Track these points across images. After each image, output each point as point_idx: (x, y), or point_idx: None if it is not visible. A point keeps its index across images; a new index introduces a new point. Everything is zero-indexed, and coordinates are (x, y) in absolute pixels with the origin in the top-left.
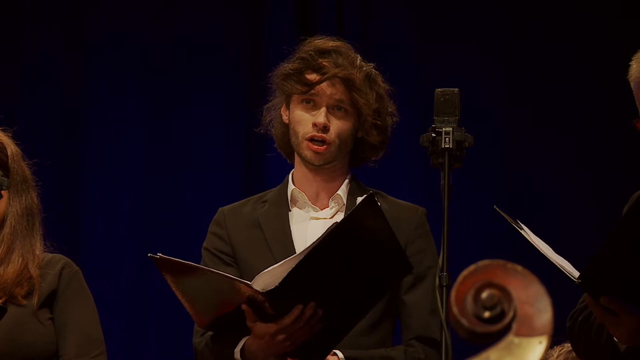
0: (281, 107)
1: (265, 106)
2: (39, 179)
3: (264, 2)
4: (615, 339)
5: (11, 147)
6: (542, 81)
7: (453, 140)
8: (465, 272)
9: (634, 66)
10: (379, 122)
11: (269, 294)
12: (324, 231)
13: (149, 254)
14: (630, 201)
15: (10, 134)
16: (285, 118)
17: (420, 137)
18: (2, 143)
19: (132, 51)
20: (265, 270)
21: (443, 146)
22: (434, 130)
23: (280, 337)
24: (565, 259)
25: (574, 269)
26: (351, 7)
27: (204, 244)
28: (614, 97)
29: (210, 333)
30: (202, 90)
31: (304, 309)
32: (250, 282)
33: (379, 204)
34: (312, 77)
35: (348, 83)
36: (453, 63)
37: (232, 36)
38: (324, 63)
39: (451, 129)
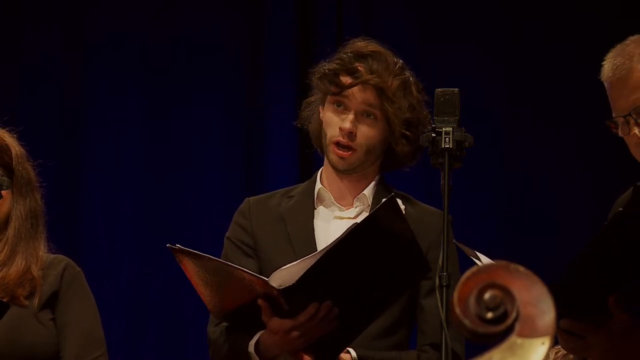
0: (320, 104)
1: (305, 100)
2: (39, 178)
3: (264, 2)
4: None
5: (15, 149)
6: (542, 81)
7: (453, 140)
8: (468, 273)
9: (605, 66)
10: (408, 133)
11: (286, 291)
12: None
13: (167, 245)
14: (615, 205)
15: (15, 135)
16: (321, 115)
17: (420, 137)
18: (6, 145)
19: (132, 51)
20: (284, 267)
21: (443, 146)
22: (434, 130)
23: (295, 334)
24: (564, 259)
25: None
26: (351, 7)
27: (227, 234)
28: None
29: (225, 324)
30: (202, 90)
31: (319, 307)
32: (268, 277)
33: (401, 206)
34: (346, 79)
35: (380, 90)
36: (453, 63)
37: (232, 36)
38: (359, 67)
39: (451, 129)
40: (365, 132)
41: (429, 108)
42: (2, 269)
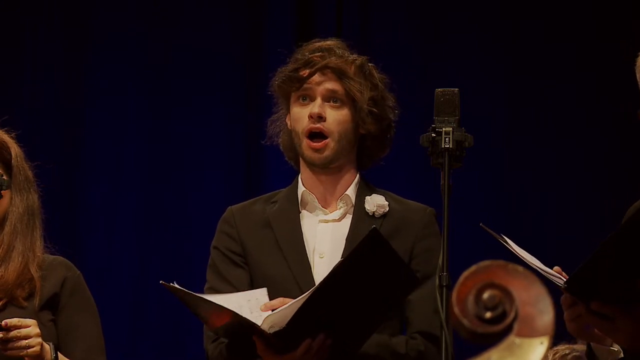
0: (286, 116)
1: (269, 119)
2: (39, 179)
3: (264, 3)
4: (616, 344)
5: (14, 147)
6: (542, 81)
7: (453, 140)
8: (466, 273)
9: None
10: (375, 110)
11: (277, 334)
12: (331, 233)
13: (160, 282)
14: (628, 212)
15: (14, 135)
16: (289, 125)
17: (420, 137)
18: (6, 142)
19: (132, 51)
20: (274, 312)
21: (443, 146)
22: (434, 130)
23: None
24: (565, 259)
25: (562, 279)
26: (351, 7)
27: (213, 243)
28: (614, 97)
29: (224, 342)
30: (202, 90)
31: (312, 343)
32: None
33: (384, 203)
34: (305, 72)
35: (340, 73)
36: (453, 63)
37: (232, 36)
38: (315, 58)
39: (451, 129)
40: (335, 117)
41: (391, 91)
42: (0, 266)
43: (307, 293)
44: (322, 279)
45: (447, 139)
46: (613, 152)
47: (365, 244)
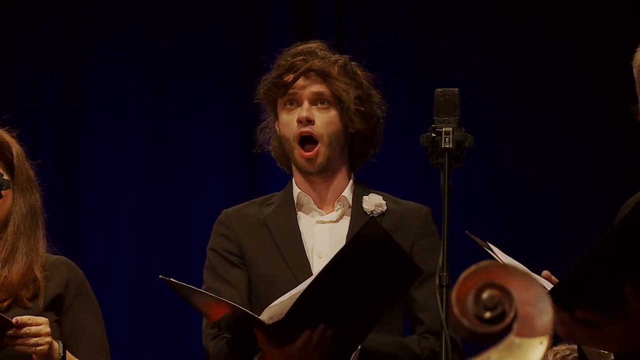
0: (274, 123)
1: (258, 127)
2: (39, 179)
3: (264, 3)
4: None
5: (16, 147)
6: (542, 81)
7: (453, 140)
8: (466, 273)
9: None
10: (362, 108)
11: (276, 325)
12: (330, 234)
13: (160, 276)
14: (622, 209)
15: (14, 135)
16: (278, 131)
17: (420, 137)
18: (7, 142)
19: (132, 51)
20: (274, 303)
21: (443, 146)
22: (434, 130)
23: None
24: (565, 259)
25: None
26: (351, 7)
27: (210, 245)
28: (614, 97)
29: (225, 338)
30: (202, 90)
31: (311, 334)
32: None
33: (382, 204)
34: (289, 77)
35: (324, 74)
36: (453, 63)
37: (232, 36)
38: (297, 62)
39: (451, 129)
40: (323, 119)
41: (376, 88)
42: (4, 267)
43: (305, 282)
44: (319, 271)
45: (447, 139)
46: (613, 152)
47: (363, 234)
